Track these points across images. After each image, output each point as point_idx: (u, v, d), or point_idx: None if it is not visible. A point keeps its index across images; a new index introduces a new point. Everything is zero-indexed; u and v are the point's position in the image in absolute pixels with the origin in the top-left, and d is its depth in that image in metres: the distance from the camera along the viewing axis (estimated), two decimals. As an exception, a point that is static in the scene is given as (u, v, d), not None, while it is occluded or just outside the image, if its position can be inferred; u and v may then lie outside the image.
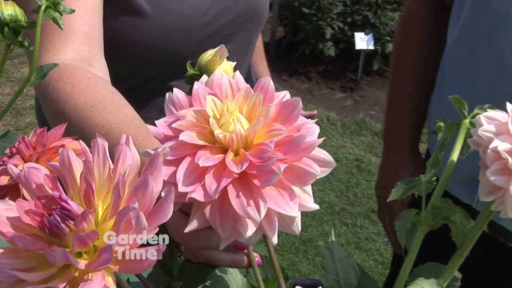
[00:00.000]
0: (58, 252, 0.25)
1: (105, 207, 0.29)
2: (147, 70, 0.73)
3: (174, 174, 0.33)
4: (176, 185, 0.32)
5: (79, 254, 0.27)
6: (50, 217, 0.27)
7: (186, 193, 0.32)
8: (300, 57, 3.67)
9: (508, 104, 0.40)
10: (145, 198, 0.28)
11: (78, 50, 0.59)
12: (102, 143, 0.31)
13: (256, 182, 0.32)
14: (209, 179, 0.32)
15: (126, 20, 0.67)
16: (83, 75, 0.56)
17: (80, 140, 0.33)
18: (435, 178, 0.46)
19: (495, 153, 0.37)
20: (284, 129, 0.33)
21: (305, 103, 3.29)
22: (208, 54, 0.46)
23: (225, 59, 0.47)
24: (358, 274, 0.47)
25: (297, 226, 0.34)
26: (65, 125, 0.38)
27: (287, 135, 0.33)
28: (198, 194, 0.32)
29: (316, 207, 0.34)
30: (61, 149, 0.30)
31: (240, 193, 0.32)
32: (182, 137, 0.33)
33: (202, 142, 0.34)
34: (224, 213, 0.33)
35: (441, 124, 0.51)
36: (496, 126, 0.39)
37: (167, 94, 0.38)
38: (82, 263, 0.26)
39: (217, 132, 0.34)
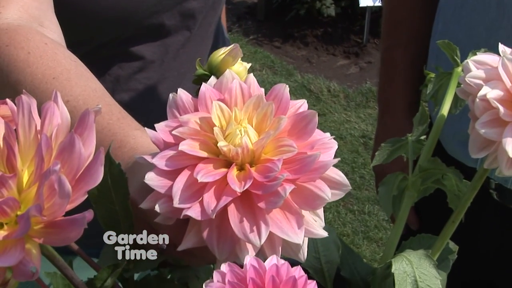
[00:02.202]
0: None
1: (31, 172, 0.30)
2: (100, 34, 0.72)
3: (171, 187, 0.34)
4: (172, 199, 0.34)
5: (1, 225, 0.28)
6: (-34, 185, 0.28)
7: (181, 209, 0.34)
8: (295, 19, 3.65)
9: (501, 46, 0.41)
10: (72, 161, 0.29)
11: (26, 7, 0.58)
12: (27, 101, 0.32)
13: (260, 204, 0.33)
14: (208, 196, 0.34)
15: None
16: (38, 39, 0.55)
17: (8, 100, 0.33)
18: (424, 137, 0.47)
19: (485, 102, 0.38)
20: (295, 146, 0.35)
21: (302, 72, 3.29)
22: (221, 53, 0.47)
23: (240, 59, 0.49)
24: (341, 251, 0.48)
25: (303, 253, 0.36)
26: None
27: (298, 152, 0.35)
28: (194, 212, 0.33)
29: (325, 234, 0.35)
30: (-21, 110, 0.31)
31: (241, 214, 0.34)
32: (182, 147, 0.35)
33: (203, 154, 0.35)
34: (222, 234, 0.34)
35: (432, 75, 0.52)
36: (485, 71, 0.39)
37: (170, 95, 0.39)
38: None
39: (221, 144, 0.35)
